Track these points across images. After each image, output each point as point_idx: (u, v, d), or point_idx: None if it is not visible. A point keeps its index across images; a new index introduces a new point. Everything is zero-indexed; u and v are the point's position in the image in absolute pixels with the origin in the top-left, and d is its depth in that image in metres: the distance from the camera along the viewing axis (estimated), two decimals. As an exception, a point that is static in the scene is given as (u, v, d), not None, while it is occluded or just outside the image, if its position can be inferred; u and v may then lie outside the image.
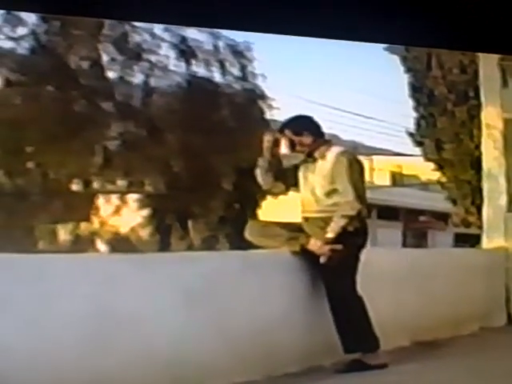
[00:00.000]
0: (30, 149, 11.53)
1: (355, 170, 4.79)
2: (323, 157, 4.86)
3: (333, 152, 4.84)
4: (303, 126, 4.91)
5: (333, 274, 4.71)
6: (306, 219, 4.88)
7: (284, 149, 4.95)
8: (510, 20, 1.99)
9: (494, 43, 2.13)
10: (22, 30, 11.76)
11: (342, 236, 4.69)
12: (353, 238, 4.76)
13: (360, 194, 4.74)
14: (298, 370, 4.64)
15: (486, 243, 7.47)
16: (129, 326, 3.92)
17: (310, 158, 4.93)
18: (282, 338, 4.67)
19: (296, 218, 5.02)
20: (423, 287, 5.90)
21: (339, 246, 4.68)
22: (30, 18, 11.61)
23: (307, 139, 4.89)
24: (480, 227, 8.09)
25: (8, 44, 11.79)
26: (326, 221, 4.78)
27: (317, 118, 5.03)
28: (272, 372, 4.53)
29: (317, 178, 4.86)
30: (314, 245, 4.69)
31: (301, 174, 5.04)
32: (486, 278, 6.79)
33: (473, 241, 9.87)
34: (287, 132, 4.93)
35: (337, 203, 4.72)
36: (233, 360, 4.36)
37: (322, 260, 4.67)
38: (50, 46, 11.90)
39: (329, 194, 4.78)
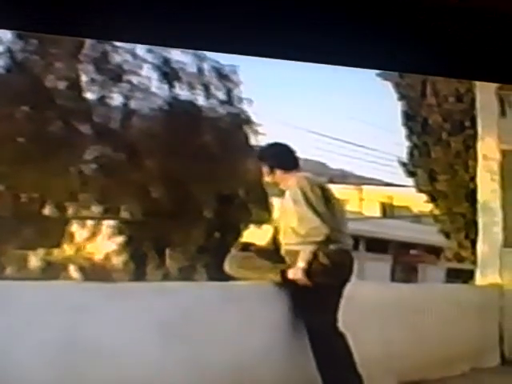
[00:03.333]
0: (1, 170, 11.50)
1: (316, 195, 4.83)
2: (288, 186, 4.94)
3: (294, 180, 4.92)
4: (274, 158, 5.00)
5: (313, 308, 4.73)
6: (288, 252, 4.92)
7: (265, 177, 5.04)
8: (508, 48, 2.03)
9: (491, 71, 2.16)
10: (-3, 48, 11.80)
11: (323, 268, 4.72)
12: (336, 270, 4.80)
13: (326, 220, 4.77)
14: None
15: (479, 279, 7.50)
16: (101, 357, 3.92)
17: (280, 188, 5.03)
18: (262, 374, 4.67)
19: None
20: (412, 324, 5.91)
21: (321, 278, 4.70)
22: (6, 35, 11.66)
23: (278, 171, 4.98)
24: (474, 262, 8.13)
25: (-18, 62, 11.81)
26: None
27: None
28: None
29: (287, 208, 4.93)
30: (292, 273, 4.73)
31: (277, 206, 5.13)
32: (479, 316, 6.81)
33: (466, 276, 9.91)
34: (262, 162, 5.04)
35: (308, 232, 4.76)
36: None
37: (304, 293, 4.69)
38: (27, 65, 11.93)
39: (299, 223, 4.82)
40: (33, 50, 11.87)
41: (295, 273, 4.73)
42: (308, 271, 4.70)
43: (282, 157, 5.07)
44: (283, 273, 4.79)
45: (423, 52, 2.02)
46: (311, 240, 4.76)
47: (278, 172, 5.02)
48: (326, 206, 4.86)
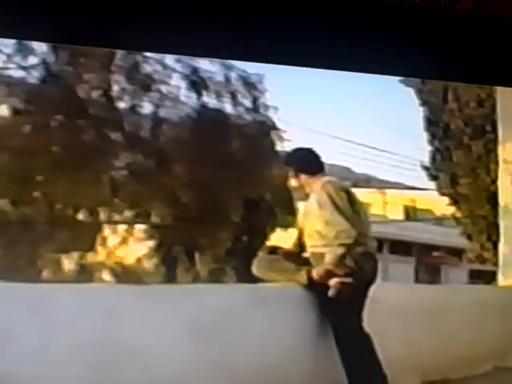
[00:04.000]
0: (37, 178, 11.60)
1: (342, 198, 4.84)
2: (313, 190, 4.95)
3: (319, 184, 4.92)
4: (300, 163, 5.01)
5: (339, 309, 4.72)
6: (314, 254, 4.92)
7: (291, 182, 5.05)
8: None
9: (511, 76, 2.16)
10: (32, 60, 11.91)
11: (349, 269, 4.72)
12: (361, 272, 4.79)
13: (355, 223, 4.78)
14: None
15: (501, 280, 7.44)
16: (133, 358, 3.93)
17: (306, 192, 5.03)
18: (289, 375, 4.66)
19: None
20: (435, 325, 5.87)
21: (348, 279, 4.70)
22: (41, 47, 11.77)
23: (303, 176, 4.99)
24: (495, 264, 8.07)
25: (18, 73, 11.94)
26: None
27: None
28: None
29: (312, 212, 4.93)
30: (318, 276, 4.72)
31: (301, 210, 5.13)
32: (501, 317, 6.75)
33: (488, 278, 9.85)
34: (288, 168, 5.05)
35: (337, 235, 4.76)
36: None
37: (331, 293, 4.69)
38: (61, 76, 12.03)
39: (327, 225, 4.83)
40: (66, 62, 11.97)
41: (321, 272, 4.72)
42: (334, 272, 4.70)
43: (307, 161, 5.07)
44: (309, 273, 4.79)
45: (445, 59, 2.02)
46: (339, 242, 4.76)
47: (303, 176, 5.02)
48: (351, 209, 4.86)
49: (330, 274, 4.68)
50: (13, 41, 11.48)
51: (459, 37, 2.01)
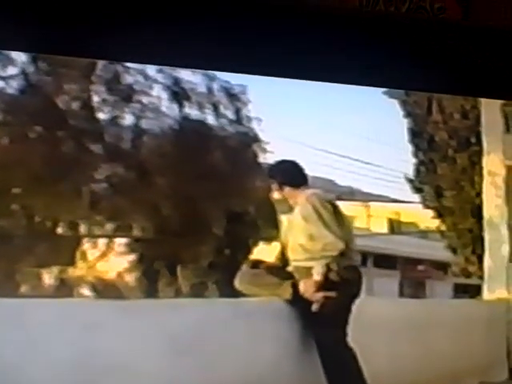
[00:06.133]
0: (14, 190, 11.54)
1: (328, 211, 4.87)
2: (297, 203, 4.96)
3: (303, 197, 4.93)
4: (283, 175, 5.02)
5: (323, 324, 4.73)
6: (297, 268, 4.92)
7: (275, 194, 5.06)
8: (511, 63, 2.03)
9: (496, 88, 2.17)
10: (11, 70, 11.89)
11: (333, 283, 4.73)
12: (345, 286, 4.80)
13: (340, 235, 4.80)
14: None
15: (486, 294, 7.49)
16: (113, 373, 3.93)
17: (289, 205, 5.03)
18: (273, 390, 4.67)
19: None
20: (420, 339, 5.90)
21: (332, 293, 4.71)
22: (20, 57, 11.75)
23: (287, 188, 5.00)
24: (481, 277, 8.12)
25: (-3, 83, 11.92)
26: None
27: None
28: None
29: (296, 225, 4.94)
30: (304, 287, 4.72)
31: (285, 223, 5.14)
32: (487, 331, 6.79)
33: (473, 291, 9.86)
34: (271, 180, 5.06)
35: (323, 247, 4.77)
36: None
37: (315, 307, 4.69)
38: (40, 86, 12.01)
39: (310, 239, 4.84)
40: (46, 72, 11.94)
41: (308, 286, 4.72)
42: (320, 285, 4.70)
43: (291, 174, 5.10)
44: (294, 287, 4.80)
45: (429, 70, 2.03)
46: (325, 254, 4.77)
47: (287, 189, 5.04)
48: (337, 221, 4.88)
49: (318, 287, 4.69)
50: (-9, 51, 11.47)
51: (444, 48, 2.03)
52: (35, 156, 11.53)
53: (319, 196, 5.09)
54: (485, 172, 7.92)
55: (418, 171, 12.48)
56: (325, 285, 4.80)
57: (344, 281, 4.89)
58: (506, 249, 7.48)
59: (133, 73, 12.74)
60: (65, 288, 11.59)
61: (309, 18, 2.04)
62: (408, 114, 12.50)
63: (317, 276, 4.82)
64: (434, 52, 2.03)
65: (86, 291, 12.06)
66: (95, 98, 12.59)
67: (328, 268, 4.84)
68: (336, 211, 5.04)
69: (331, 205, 5.06)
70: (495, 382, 6.74)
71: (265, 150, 13.57)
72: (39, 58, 11.43)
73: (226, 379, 4.56)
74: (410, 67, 2.07)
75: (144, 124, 12.91)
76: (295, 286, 4.89)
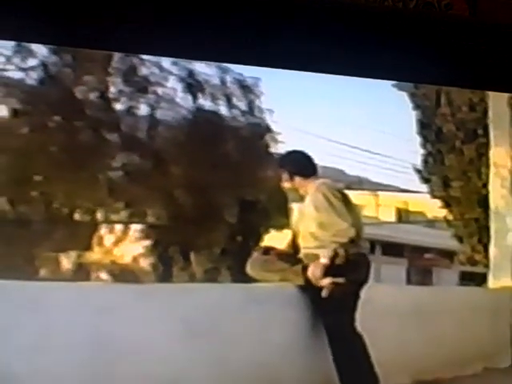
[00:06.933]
0: (34, 178, 11.60)
1: (338, 199, 4.86)
2: (307, 192, 4.96)
3: (313, 186, 4.93)
4: (294, 165, 5.02)
5: (332, 309, 4.74)
6: (307, 255, 4.93)
7: (285, 183, 5.06)
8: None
9: (504, 82, 2.17)
10: (31, 61, 11.92)
11: (342, 270, 4.73)
12: (354, 273, 4.80)
13: (351, 222, 4.79)
14: (297, 406, 4.66)
15: (492, 282, 7.48)
16: (128, 355, 3.94)
17: (300, 194, 5.04)
18: (281, 373, 4.68)
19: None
20: (427, 325, 5.89)
21: (341, 280, 4.71)
22: (40, 49, 11.77)
23: (297, 178, 4.99)
24: (486, 266, 8.11)
25: (17, 74, 11.94)
26: None
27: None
28: (270, 407, 4.55)
29: (306, 213, 4.94)
30: (312, 273, 4.72)
31: (295, 212, 5.14)
32: (492, 318, 6.78)
33: (479, 280, 9.86)
34: (282, 170, 5.06)
35: (335, 234, 4.78)
36: (231, 394, 4.38)
37: (324, 294, 4.70)
38: (59, 78, 12.03)
39: (321, 227, 4.84)
40: (65, 64, 11.96)
41: (316, 268, 4.73)
42: (328, 270, 4.71)
43: (301, 164, 5.09)
44: (304, 270, 4.80)
45: (438, 64, 2.03)
46: (336, 240, 4.77)
47: (298, 178, 5.04)
48: (347, 210, 4.88)
49: (325, 271, 4.68)
50: (12, 43, 11.49)
51: (453, 42, 2.02)
52: (54, 145, 11.58)
53: (329, 185, 5.09)
54: (491, 163, 7.90)
55: (426, 162, 12.45)
56: (333, 271, 4.80)
57: (352, 267, 4.89)
58: (511, 238, 7.46)
59: (148, 65, 12.74)
60: (82, 272, 11.65)
61: (320, 12, 2.05)
62: (417, 107, 12.47)
63: (324, 259, 4.81)
64: (442, 46, 2.02)
65: (102, 275, 12.13)
66: (112, 89, 12.61)
67: (335, 253, 4.83)
68: (346, 200, 5.03)
69: (341, 194, 5.06)
70: (499, 367, 6.73)
71: (276, 141, 13.56)
72: (58, 50, 11.47)
73: (239, 362, 4.57)
74: (419, 61, 2.06)
75: (159, 114, 12.93)
76: (305, 272, 4.89)
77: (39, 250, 11.70)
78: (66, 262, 11.84)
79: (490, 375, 6.29)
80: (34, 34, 2.15)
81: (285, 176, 5.07)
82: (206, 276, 13.06)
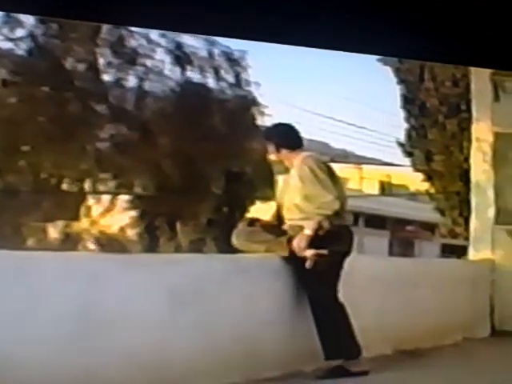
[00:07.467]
0: (22, 148, 11.53)
1: (323, 172, 4.83)
2: (293, 165, 4.93)
3: (299, 159, 4.90)
4: (280, 138, 4.98)
5: (315, 280, 4.73)
6: (292, 227, 4.91)
7: (271, 155, 5.03)
8: (502, 35, 2.01)
9: (486, 58, 2.15)
10: (20, 32, 11.79)
11: (325, 241, 4.72)
12: (337, 245, 4.80)
13: (336, 195, 4.78)
14: (280, 375, 4.64)
15: (472, 255, 7.49)
16: (114, 324, 3.93)
17: (285, 167, 5.02)
18: (265, 343, 4.68)
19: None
20: (408, 296, 5.91)
21: (324, 251, 4.71)
22: (28, 19, 11.63)
23: (283, 150, 4.97)
24: (467, 239, 8.12)
25: (6, 45, 11.81)
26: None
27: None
28: (253, 376, 4.53)
29: (291, 185, 4.92)
30: (297, 244, 4.72)
31: (280, 184, 5.12)
32: (471, 289, 6.81)
33: (459, 252, 9.90)
34: (268, 142, 5.03)
35: (320, 206, 4.76)
36: (214, 362, 4.36)
37: (308, 265, 4.69)
38: (47, 48, 11.91)
39: (306, 199, 4.82)
40: (53, 34, 11.84)
41: (300, 240, 4.72)
42: (312, 242, 4.70)
43: (288, 136, 5.06)
44: (289, 242, 4.79)
45: (422, 39, 2.01)
46: (320, 212, 4.76)
47: (284, 151, 5.01)
48: (332, 182, 4.87)
49: (309, 242, 4.67)
50: (0, 13, 11.36)
51: (436, 18, 2.00)
52: (43, 115, 11.49)
53: (315, 158, 5.07)
54: (473, 138, 7.87)
55: (409, 136, 12.46)
56: (317, 242, 4.79)
57: (336, 239, 4.88)
58: (491, 211, 7.47)
59: (137, 37, 12.66)
60: (69, 242, 11.65)
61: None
62: (401, 81, 12.46)
63: (308, 230, 4.80)
64: (425, 22, 2.00)
65: (89, 245, 12.13)
66: (101, 61, 12.52)
67: (320, 225, 4.82)
68: (331, 173, 5.01)
69: (326, 166, 5.04)
70: (478, 337, 6.78)
71: (263, 113, 13.56)
72: (46, 20, 11.34)
73: (223, 331, 4.57)
74: (404, 36, 2.04)
75: (147, 86, 12.87)
76: (290, 243, 4.88)
77: (26, 220, 11.67)
78: (53, 231, 11.82)
79: (469, 345, 6.33)
80: (22, 5, 2.11)
81: (271, 148, 5.03)
82: (192, 246, 13.09)
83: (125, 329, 3.98)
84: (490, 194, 7.43)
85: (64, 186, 11.87)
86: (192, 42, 13.15)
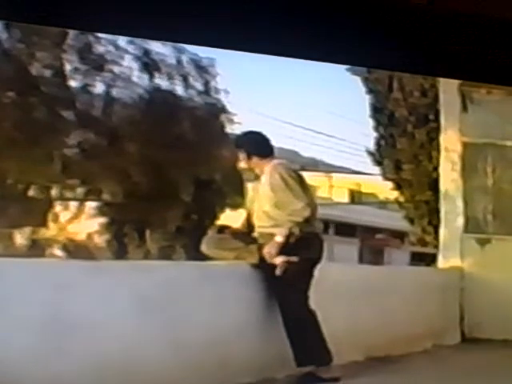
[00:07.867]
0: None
1: (293, 179, 4.87)
2: (263, 172, 4.95)
3: (269, 166, 4.93)
4: (251, 145, 5.00)
5: (286, 287, 4.74)
6: (262, 234, 4.92)
7: (241, 163, 5.04)
8: (470, 47, 2.03)
9: (454, 69, 2.17)
10: (-17, 36, 11.67)
11: (296, 249, 4.73)
12: (307, 252, 4.81)
13: (306, 202, 4.80)
14: (251, 382, 4.65)
15: (441, 263, 7.56)
16: (82, 332, 3.89)
17: (255, 174, 5.03)
18: (236, 350, 4.67)
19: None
20: (378, 304, 5.94)
21: (294, 258, 4.72)
22: (-6, 24, 11.53)
23: (254, 158, 4.99)
24: (436, 247, 8.19)
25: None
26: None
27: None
28: (225, 383, 4.54)
29: (262, 193, 4.94)
30: (268, 251, 4.72)
31: (250, 191, 5.13)
32: (441, 297, 6.86)
33: (429, 260, 9.98)
34: (239, 150, 5.04)
35: (291, 213, 4.78)
36: (185, 370, 4.34)
37: (278, 272, 4.70)
38: (13, 53, 11.82)
39: (276, 206, 4.84)
40: (19, 39, 11.75)
41: (271, 247, 4.72)
42: (282, 249, 4.71)
43: (259, 144, 5.07)
44: (259, 249, 4.79)
45: (390, 49, 2.02)
46: (291, 219, 4.77)
47: (255, 158, 5.02)
48: (303, 190, 4.89)
49: (280, 249, 4.68)
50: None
51: (405, 29, 2.02)
52: (8, 121, 11.38)
53: (285, 165, 5.09)
54: (442, 148, 7.95)
55: (378, 145, 12.54)
56: (287, 249, 4.80)
57: (306, 247, 4.89)
58: (460, 220, 7.55)
59: (104, 43, 12.60)
60: (36, 248, 11.53)
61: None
62: (370, 91, 12.54)
63: (279, 237, 4.81)
64: (394, 32, 2.02)
65: (57, 252, 12.02)
66: (67, 67, 12.44)
67: (290, 232, 4.83)
68: (301, 181, 5.04)
69: (297, 174, 5.06)
70: (448, 344, 6.83)
71: (232, 121, 13.56)
72: (12, 25, 11.23)
73: (192, 338, 4.55)
74: (372, 46, 2.05)
75: (115, 93, 12.81)
76: (260, 251, 4.88)
77: (-7, 226, 11.54)
78: (20, 238, 11.70)
79: (440, 352, 6.38)
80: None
81: (242, 155, 5.04)
82: (161, 253, 13.03)
83: (93, 336, 3.95)
84: (459, 202, 7.51)
85: (31, 193, 11.77)
86: (160, 49, 13.13)
